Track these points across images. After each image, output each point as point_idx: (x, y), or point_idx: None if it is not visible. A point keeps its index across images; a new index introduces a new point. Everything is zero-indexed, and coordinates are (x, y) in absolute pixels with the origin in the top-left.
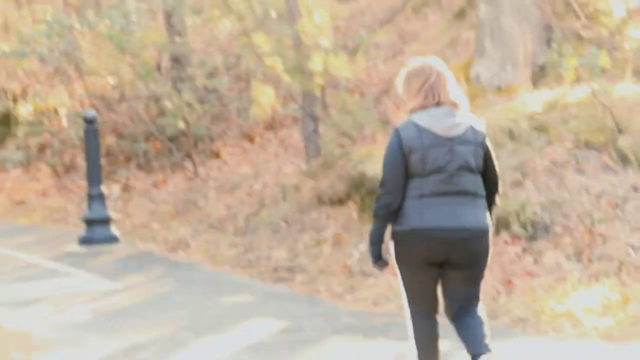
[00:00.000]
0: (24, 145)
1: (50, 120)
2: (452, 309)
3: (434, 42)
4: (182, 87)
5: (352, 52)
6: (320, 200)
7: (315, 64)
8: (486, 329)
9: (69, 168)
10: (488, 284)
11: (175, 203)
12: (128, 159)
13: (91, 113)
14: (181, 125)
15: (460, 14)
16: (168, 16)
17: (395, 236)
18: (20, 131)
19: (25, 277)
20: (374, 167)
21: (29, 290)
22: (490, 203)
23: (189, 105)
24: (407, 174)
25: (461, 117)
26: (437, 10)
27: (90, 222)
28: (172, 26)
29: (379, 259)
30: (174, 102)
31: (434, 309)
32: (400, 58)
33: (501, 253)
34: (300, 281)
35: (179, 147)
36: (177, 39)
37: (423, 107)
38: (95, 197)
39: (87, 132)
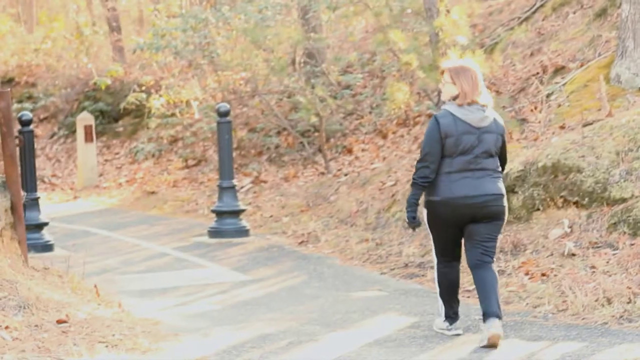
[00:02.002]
0: (155, 137)
1: (182, 113)
2: (472, 259)
3: (573, 41)
4: (316, 83)
5: (489, 50)
6: None
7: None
8: (498, 289)
9: (200, 160)
10: (624, 285)
11: (306, 197)
12: (259, 153)
13: (225, 107)
14: (314, 120)
15: (601, 13)
16: (304, 12)
17: (428, 205)
18: (153, 123)
19: (155, 267)
20: (510, 166)
21: (158, 279)
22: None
23: (322, 100)
24: (442, 155)
25: (488, 112)
26: (577, 9)
27: (220, 214)
28: (308, 22)
29: (414, 219)
30: (307, 98)
31: (456, 258)
32: (539, 57)
33: (639, 254)
34: (431, 278)
35: (311, 142)
36: (312, 34)
37: (459, 104)
38: (227, 190)
39: (220, 125)
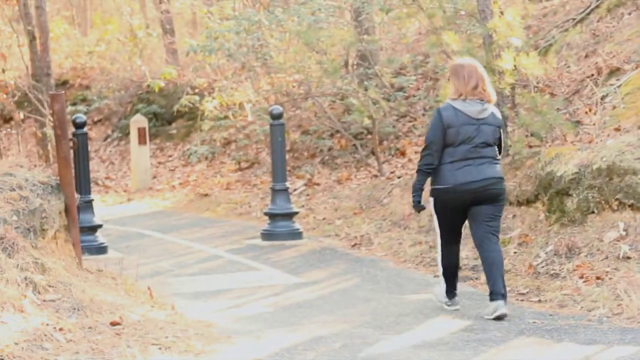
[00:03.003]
0: (209, 140)
1: (235, 115)
2: (478, 237)
3: (629, 43)
4: (369, 85)
5: (544, 52)
6: (507, 200)
7: (506, 62)
8: (503, 267)
9: (253, 163)
10: None
11: (359, 200)
12: (312, 155)
13: (278, 109)
14: (367, 122)
15: None
16: (357, 14)
17: (434, 192)
18: (206, 126)
19: (208, 270)
20: (564, 168)
21: (211, 282)
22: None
23: (375, 102)
24: (444, 144)
25: (487, 106)
26: (632, 10)
27: (273, 217)
28: (361, 24)
29: (419, 203)
30: (360, 100)
31: (458, 242)
32: (593, 59)
33: None
34: (485, 281)
35: (364, 144)
36: (365, 36)
37: (453, 98)
38: (280, 192)
39: (273, 127)
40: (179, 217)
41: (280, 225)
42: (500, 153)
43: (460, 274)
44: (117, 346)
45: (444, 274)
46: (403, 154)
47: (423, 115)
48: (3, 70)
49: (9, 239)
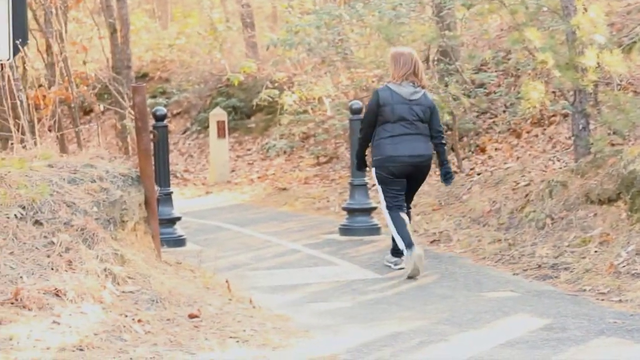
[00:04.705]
0: (287, 134)
1: (314, 110)
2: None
3: None
4: (450, 81)
5: (627, 49)
6: (588, 199)
7: (589, 60)
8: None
9: (332, 157)
10: None
11: (438, 196)
12: None
13: (357, 104)
14: (447, 118)
15: None
16: (438, 9)
17: (376, 162)
18: (285, 120)
19: (285, 264)
20: None
21: (288, 276)
22: (440, 143)
23: (456, 98)
24: (382, 121)
25: (419, 89)
26: None
27: (351, 212)
28: (442, 19)
29: (361, 166)
30: (441, 96)
31: (402, 206)
32: None
33: None
34: (565, 279)
35: None
36: (447, 32)
37: (389, 81)
38: (358, 187)
39: (352, 122)
40: (257, 211)
41: (358, 220)
42: (439, 132)
43: (539, 272)
44: (195, 339)
45: (398, 232)
46: (483, 150)
47: (504, 112)
48: (84, 62)
49: (90, 230)
